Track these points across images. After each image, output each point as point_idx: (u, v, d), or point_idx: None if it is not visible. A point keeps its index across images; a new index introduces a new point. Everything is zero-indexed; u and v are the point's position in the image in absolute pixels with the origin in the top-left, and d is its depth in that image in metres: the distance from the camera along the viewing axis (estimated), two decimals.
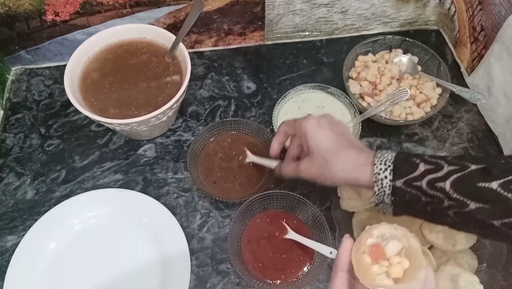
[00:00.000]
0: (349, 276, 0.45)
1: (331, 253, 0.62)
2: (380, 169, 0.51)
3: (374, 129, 0.82)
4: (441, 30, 0.96)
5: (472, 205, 0.46)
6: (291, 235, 0.67)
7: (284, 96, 0.79)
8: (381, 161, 0.52)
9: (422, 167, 0.49)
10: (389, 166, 0.51)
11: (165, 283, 0.66)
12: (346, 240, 0.46)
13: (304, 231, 0.69)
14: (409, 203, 0.50)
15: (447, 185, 0.47)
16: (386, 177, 0.51)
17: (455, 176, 0.47)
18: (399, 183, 0.50)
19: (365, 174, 0.53)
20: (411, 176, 0.49)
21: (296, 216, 0.70)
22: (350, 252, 0.44)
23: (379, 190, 0.51)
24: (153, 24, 0.81)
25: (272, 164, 0.70)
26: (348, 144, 0.57)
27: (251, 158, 0.74)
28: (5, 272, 0.66)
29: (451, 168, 0.48)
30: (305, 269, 0.67)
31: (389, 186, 0.50)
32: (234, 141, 0.77)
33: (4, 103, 0.85)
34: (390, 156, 0.52)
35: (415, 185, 0.49)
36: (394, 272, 0.42)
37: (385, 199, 0.51)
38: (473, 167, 0.47)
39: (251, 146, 0.76)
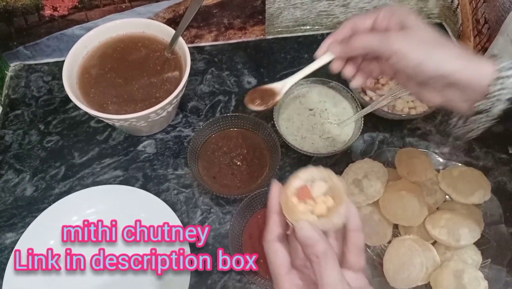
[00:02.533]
0: (282, 218, 0.45)
1: None
2: (505, 67, 0.44)
3: (376, 124, 0.81)
4: (444, 23, 0.95)
5: None
6: (288, 83, 0.64)
7: (285, 91, 0.78)
8: (503, 60, 0.45)
9: None
10: None
11: (166, 280, 0.66)
12: (275, 185, 0.46)
13: None
14: None
15: None
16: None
17: None
18: None
19: (479, 69, 0.45)
20: None
21: None
22: (278, 195, 0.45)
23: (498, 90, 0.45)
24: (152, 19, 0.80)
25: (322, 58, 0.56)
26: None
27: (288, 83, 0.63)
28: (4, 270, 0.66)
29: None
30: None
31: None
32: (234, 136, 0.76)
33: (3, 99, 0.84)
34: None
35: None
36: (318, 210, 0.43)
37: (495, 105, 0.46)
38: None
39: (251, 141, 0.75)
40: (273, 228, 0.45)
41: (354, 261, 0.45)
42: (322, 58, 0.56)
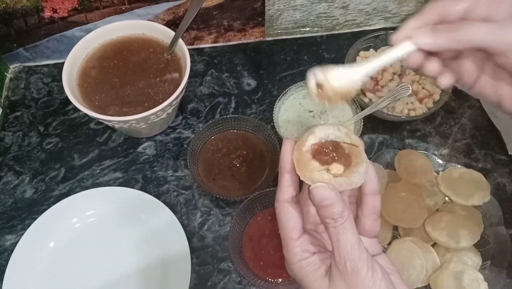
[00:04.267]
0: (296, 177, 0.42)
1: None
2: None
3: (376, 125, 0.81)
4: None
5: None
6: (366, 69, 0.63)
7: (285, 93, 0.79)
8: None
9: None
10: None
11: (166, 282, 0.66)
12: (287, 141, 0.43)
13: None
14: None
15: None
16: None
17: None
18: None
19: None
20: None
21: None
22: (291, 152, 0.43)
23: None
24: (152, 21, 0.81)
25: (402, 48, 0.44)
26: None
27: (365, 69, 0.47)
28: (4, 272, 0.66)
29: None
30: None
31: None
32: (234, 138, 0.76)
33: (2, 101, 0.84)
34: None
35: None
36: (335, 168, 0.40)
37: None
38: None
39: (251, 143, 0.76)
40: (286, 188, 0.43)
41: (370, 227, 0.42)
42: (401, 47, 0.43)
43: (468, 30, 0.39)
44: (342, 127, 0.43)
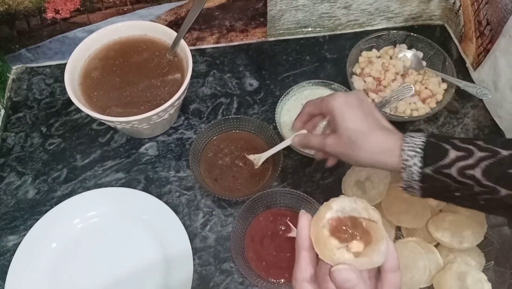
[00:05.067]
0: (314, 254, 0.43)
1: None
2: (409, 156, 0.50)
3: None
4: (445, 25, 0.95)
5: (503, 192, 0.46)
6: (295, 233, 0.66)
7: (287, 93, 0.79)
8: (410, 146, 0.50)
9: (452, 154, 0.48)
10: (418, 153, 0.49)
11: (168, 282, 0.66)
12: (303, 216, 0.44)
13: None
14: (438, 189, 0.49)
15: (477, 172, 0.47)
16: (415, 164, 0.49)
17: (486, 163, 0.47)
18: (428, 170, 0.49)
19: (392, 159, 0.51)
20: (440, 163, 0.48)
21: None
22: (309, 228, 0.42)
23: (407, 176, 0.50)
24: (154, 21, 0.81)
25: (286, 142, 0.68)
26: (376, 124, 0.55)
27: (261, 158, 0.72)
28: (6, 272, 0.66)
29: (482, 154, 0.47)
30: None
31: (418, 172, 0.49)
32: (236, 139, 0.76)
33: (5, 102, 0.84)
34: (419, 140, 0.50)
35: (445, 172, 0.48)
36: (355, 246, 0.40)
37: (413, 184, 0.50)
38: (505, 152, 0.47)
39: (253, 143, 0.75)
40: (304, 267, 0.43)
41: None
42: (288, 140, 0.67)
43: (309, 141, 0.62)
44: (358, 200, 0.43)
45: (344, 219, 0.42)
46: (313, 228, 0.42)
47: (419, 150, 0.49)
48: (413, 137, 0.51)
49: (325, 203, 0.43)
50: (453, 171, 0.48)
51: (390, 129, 0.55)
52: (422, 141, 0.50)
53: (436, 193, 0.51)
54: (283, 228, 0.68)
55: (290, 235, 0.67)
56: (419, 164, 0.49)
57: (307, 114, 0.65)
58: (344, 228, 0.41)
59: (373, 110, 0.57)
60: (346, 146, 0.55)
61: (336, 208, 0.42)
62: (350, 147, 0.54)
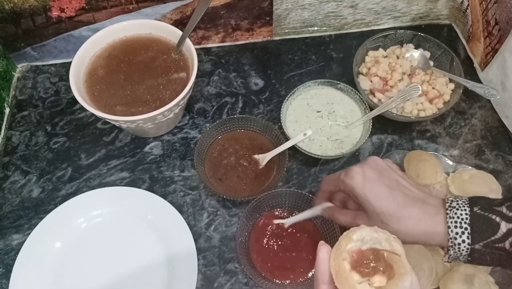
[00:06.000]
0: (334, 288, 0.41)
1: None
2: (456, 233, 0.47)
3: (385, 126, 0.80)
4: (453, 24, 0.94)
5: None
6: (288, 221, 0.66)
7: (293, 93, 0.78)
8: (456, 222, 0.47)
9: (504, 227, 0.46)
10: (465, 229, 0.47)
11: (172, 282, 0.66)
12: (323, 248, 0.41)
13: (313, 229, 0.68)
14: (487, 261, 0.48)
15: None
16: (463, 241, 0.47)
17: None
18: (478, 246, 0.47)
19: (437, 237, 0.49)
20: (492, 238, 0.46)
21: None
22: (328, 261, 0.41)
23: (455, 253, 0.48)
24: (159, 20, 0.80)
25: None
26: (406, 199, 0.51)
27: (266, 158, 0.72)
28: (10, 271, 0.66)
29: None
30: None
31: (467, 249, 0.47)
32: (241, 138, 0.76)
33: (10, 100, 0.84)
34: (464, 214, 0.47)
35: (497, 246, 0.46)
36: (377, 280, 0.39)
37: (461, 258, 0.49)
38: None
39: (258, 143, 0.75)
40: None
41: None
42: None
43: (340, 218, 0.58)
44: (380, 230, 0.41)
45: (366, 251, 0.40)
46: (333, 261, 0.40)
47: (466, 226, 0.47)
48: (455, 209, 0.48)
49: (344, 233, 0.41)
50: (507, 244, 0.46)
51: (423, 199, 0.51)
52: (468, 214, 0.47)
53: (484, 263, 0.49)
54: (288, 229, 0.67)
55: (281, 222, 0.67)
56: (468, 241, 0.47)
57: (327, 192, 0.61)
58: (366, 261, 0.39)
59: (396, 179, 0.53)
60: (380, 225, 0.49)
61: (356, 238, 0.41)
62: (385, 227, 0.48)
